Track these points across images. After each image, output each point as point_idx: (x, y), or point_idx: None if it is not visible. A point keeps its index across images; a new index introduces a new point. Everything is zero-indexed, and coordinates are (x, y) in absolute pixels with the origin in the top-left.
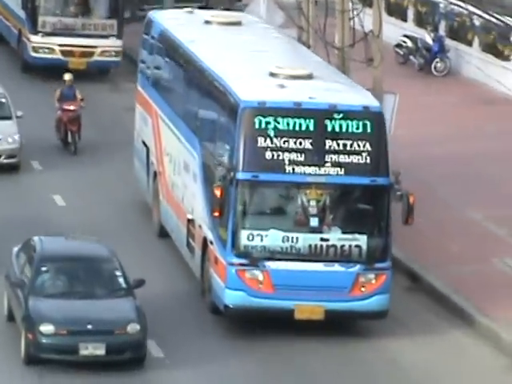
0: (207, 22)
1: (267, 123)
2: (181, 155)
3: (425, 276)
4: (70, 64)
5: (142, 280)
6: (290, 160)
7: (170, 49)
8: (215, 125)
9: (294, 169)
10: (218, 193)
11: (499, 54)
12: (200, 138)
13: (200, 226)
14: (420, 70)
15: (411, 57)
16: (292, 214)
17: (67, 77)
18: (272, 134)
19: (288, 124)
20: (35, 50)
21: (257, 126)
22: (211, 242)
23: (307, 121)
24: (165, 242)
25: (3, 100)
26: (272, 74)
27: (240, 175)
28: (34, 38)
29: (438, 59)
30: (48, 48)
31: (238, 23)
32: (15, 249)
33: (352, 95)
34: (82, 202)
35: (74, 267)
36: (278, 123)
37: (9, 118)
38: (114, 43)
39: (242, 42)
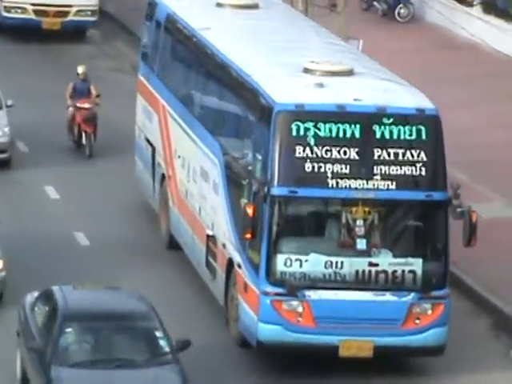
0: (219, 5)
1: (306, 130)
2: (197, 160)
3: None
4: (43, 24)
5: (188, 341)
6: (332, 172)
7: (182, 37)
8: (242, 129)
9: (337, 183)
10: (250, 211)
11: (462, 0)
12: (222, 143)
13: (224, 246)
14: (383, 16)
15: (375, 3)
16: (336, 236)
17: (80, 69)
18: (312, 142)
19: (330, 130)
20: (7, 9)
21: (294, 133)
22: (239, 266)
23: (352, 126)
24: (176, 256)
25: None
26: (307, 70)
27: (275, 191)
28: None
29: (401, 5)
30: (20, 8)
31: (255, 6)
32: (29, 298)
33: (403, 96)
34: (80, 198)
35: (105, 327)
36: (319, 129)
37: None
38: (89, 1)
39: (264, 30)
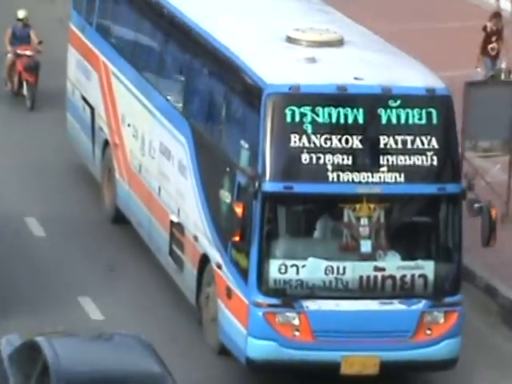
0: None
1: (302, 115)
2: (155, 134)
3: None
4: None
5: None
6: (333, 164)
7: None
8: (218, 108)
9: (339, 176)
10: (239, 211)
11: None
12: (192, 121)
13: (196, 238)
14: None
15: None
16: (337, 237)
17: (21, 14)
18: (309, 129)
19: (330, 115)
20: None
21: (289, 120)
22: (219, 266)
23: (355, 111)
24: (122, 230)
25: None
26: (290, 40)
27: (268, 186)
28: None
29: None
30: None
31: None
32: (6, 348)
33: (410, 73)
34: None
35: None
36: (317, 115)
37: None
38: None
39: None
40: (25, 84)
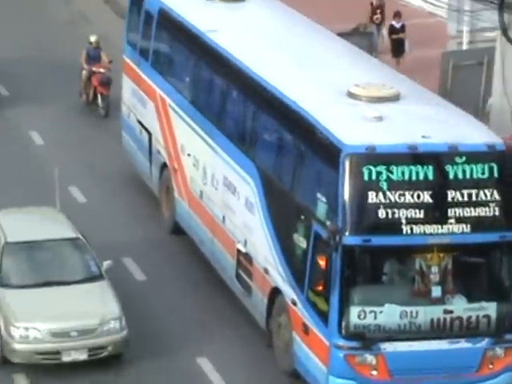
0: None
1: (378, 173)
2: (217, 168)
3: None
4: None
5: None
6: (407, 218)
7: (185, 37)
8: (290, 159)
9: (412, 228)
10: (322, 263)
11: None
12: (259, 164)
13: (266, 271)
14: None
15: None
16: (410, 284)
17: (93, 38)
18: (385, 186)
19: (403, 173)
20: None
21: (366, 178)
22: (294, 303)
23: (425, 168)
24: (181, 241)
25: None
26: (352, 95)
27: (348, 240)
28: None
29: None
30: None
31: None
32: None
33: (470, 130)
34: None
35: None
36: (391, 173)
37: None
38: None
39: (271, 32)
40: (99, 96)
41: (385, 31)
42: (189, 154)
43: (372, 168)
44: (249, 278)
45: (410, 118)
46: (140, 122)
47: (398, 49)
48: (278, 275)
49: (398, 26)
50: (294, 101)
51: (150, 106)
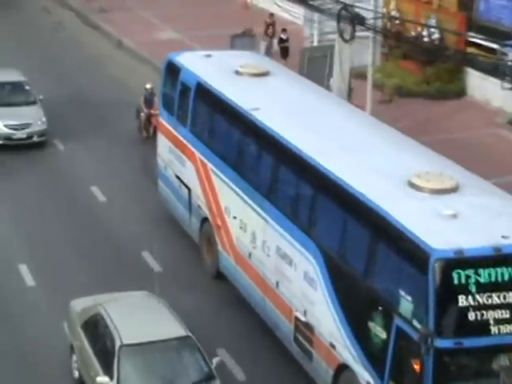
0: (238, 73)
1: (467, 277)
2: (270, 238)
3: None
4: None
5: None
6: (494, 319)
7: (228, 113)
8: (362, 247)
9: (499, 329)
10: (410, 362)
11: None
12: (323, 245)
13: (333, 347)
14: None
15: None
16: (496, 380)
17: (148, 85)
18: (473, 289)
19: (489, 275)
20: None
21: (456, 282)
22: None
23: (509, 269)
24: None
25: (27, 87)
26: (413, 186)
27: (440, 343)
28: None
29: None
30: None
31: (267, 73)
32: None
33: None
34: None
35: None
36: (479, 275)
37: (34, 102)
38: None
39: (310, 110)
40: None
41: (275, 41)
42: (235, 217)
43: (461, 272)
44: (309, 345)
45: (480, 212)
46: (178, 177)
47: (285, 53)
48: (347, 354)
49: (284, 37)
50: (361, 192)
51: (189, 166)
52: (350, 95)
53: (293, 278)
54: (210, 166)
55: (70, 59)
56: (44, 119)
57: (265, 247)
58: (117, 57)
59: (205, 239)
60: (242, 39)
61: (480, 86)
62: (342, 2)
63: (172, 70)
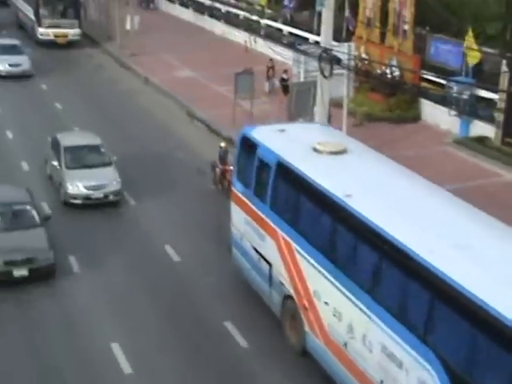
0: (316, 151)
1: None
2: (374, 336)
3: None
4: (57, 41)
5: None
6: None
7: (312, 194)
8: (495, 367)
9: None
10: None
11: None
12: (444, 356)
13: None
14: (145, 8)
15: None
16: None
17: (223, 144)
18: None
19: None
20: (41, 34)
21: None
22: None
23: None
24: (312, 365)
25: (103, 150)
26: None
27: None
28: (40, 29)
29: (151, 3)
30: (47, 34)
31: (345, 151)
32: None
33: None
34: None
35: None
36: None
37: (109, 164)
38: (76, 31)
39: (403, 196)
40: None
41: (276, 81)
42: (326, 303)
43: None
44: None
45: None
46: (256, 250)
47: (285, 90)
48: None
49: (286, 77)
50: (493, 307)
51: (269, 241)
52: (329, 120)
53: (403, 380)
54: (294, 246)
55: (107, 93)
56: (119, 179)
57: (366, 341)
58: (145, 91)
59: (288, 316)
60: (243, 76)
61: (432, 112)
62: (322, 47)
63: (248, 144)
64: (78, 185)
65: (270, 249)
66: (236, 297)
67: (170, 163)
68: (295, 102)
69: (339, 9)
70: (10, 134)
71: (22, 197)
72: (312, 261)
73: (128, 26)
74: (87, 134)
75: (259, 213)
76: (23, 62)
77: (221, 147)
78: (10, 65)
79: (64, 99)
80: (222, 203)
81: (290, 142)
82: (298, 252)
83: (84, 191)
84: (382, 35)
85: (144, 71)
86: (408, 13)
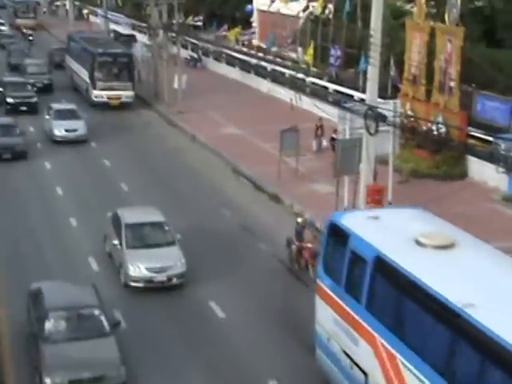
0: (420, 244)
1: None
2: None
3: None
4: (111, 103)
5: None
6: None
7: (424, 300)
8: None
9: None
10: None
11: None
12: None
13: None
14: (192, 66)
15: (191, 63)
16: None
17: (300, 219)
18: None
19: None
20: (95, 96)
21: None
22: None
23: None
24: None
25: (167, 228)
26: None
27: None
28: (94, 91)
29: (199, 63)
30: (101, 96)
31: (453, 245)
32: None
33: None
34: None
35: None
36: None
37: (173, 243)
38: (130, 93)
39: None
40: (310, 267)
41: (324, 140)
42: None
43: None
44: None
45: None
46: (348, 355)
47: (334, 148)
48: None
49: (335, 136)
50: None
51: (364, 347)
52: (375, 177)
53: None
54: (399, 357)
55: (155, 151)
56: (183, 260)
57: None
58: (191, 148)
59: None
60: (289, 133)
61: (479, 169)
62: (367, 104)
63: (337, 233)
64: (139, 266)
65: (365, 356)
66: None
67: (227, 232)
68: (341, 159)
69: (384, 66)
70: (59, 191)
71: (89, 298)
72: (423, 378)
73: (176, 85)
74: (149, 210)
75: (352, 313)
76: (79, 127)
77: (298, 223)
78: (66, 130)
79: (113, 157)
80: (293, 285)
81: (388, 233)
82: (405, 366)
83: (146, 274)
84: (428, 92)
85: (191, 128)
86: (454, 70)
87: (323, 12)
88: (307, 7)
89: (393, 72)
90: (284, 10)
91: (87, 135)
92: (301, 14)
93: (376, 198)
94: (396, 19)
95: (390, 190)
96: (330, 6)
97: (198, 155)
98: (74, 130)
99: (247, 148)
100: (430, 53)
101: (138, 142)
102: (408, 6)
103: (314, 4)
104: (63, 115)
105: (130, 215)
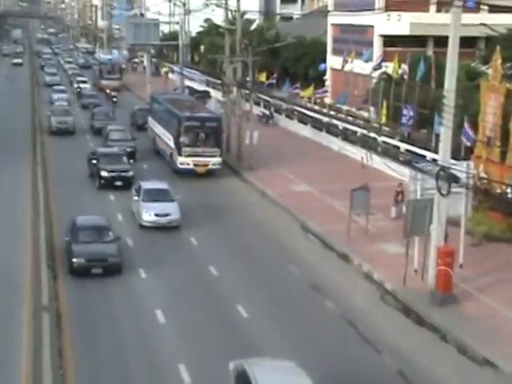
0: None
1: None
2: None
3: None
4: (197, 170)
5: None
6: None
7: None
8: None
9: None
10: None
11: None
12: None
13: None
14: (265, 123)
15: (263, 119)
16: None
17: None
18: None
19: None
20: (180, 163)
21: None
22: None
23: None
24: None
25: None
26: None
27: None
28: (179, 158)
29: (270, 120)
30: (186, 163)
31: None
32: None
33: None
34: None
35: None
36: None
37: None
38: (218, 160)
39: None
40: None
41: (404, 206)
42: None
43: None
44: None
45: None
46: None
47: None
48: None
49: (399, 190)
50: None
51: None
52: (446, 239)
53: None
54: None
55: (224, 205)
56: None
57: None
58: (261, 204)
59: None
60: (359, 192)
61: None
62: (440, 165)
63: None
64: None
65: None
66: None
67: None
68: (412, 219)
69: (458, 127)
70: (142, 274)
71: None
72: None
73: (247, 141)
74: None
75: None
76: (173, 211)
77: None
78: (156, 215)
79: (191, 220)
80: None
81: None
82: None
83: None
84: (503, 154)
85: (261, 184)
86: None
87: (397, 73)
88: (379, 67)
89: (466, 134)
90: (357, 69)
91: (180, 220)
92: (374, 74)
93: (447, 260)
94: (471, 80)
95: (462, 252)
96: (405, 67)
97: (267, 211)
98: (166, 215)
99: (317, 205)
100: (506, 114)
101: (210, 197)
102: (483, 67)
103: (388, 64)
104: (154, 196)
105: (262, 371)
